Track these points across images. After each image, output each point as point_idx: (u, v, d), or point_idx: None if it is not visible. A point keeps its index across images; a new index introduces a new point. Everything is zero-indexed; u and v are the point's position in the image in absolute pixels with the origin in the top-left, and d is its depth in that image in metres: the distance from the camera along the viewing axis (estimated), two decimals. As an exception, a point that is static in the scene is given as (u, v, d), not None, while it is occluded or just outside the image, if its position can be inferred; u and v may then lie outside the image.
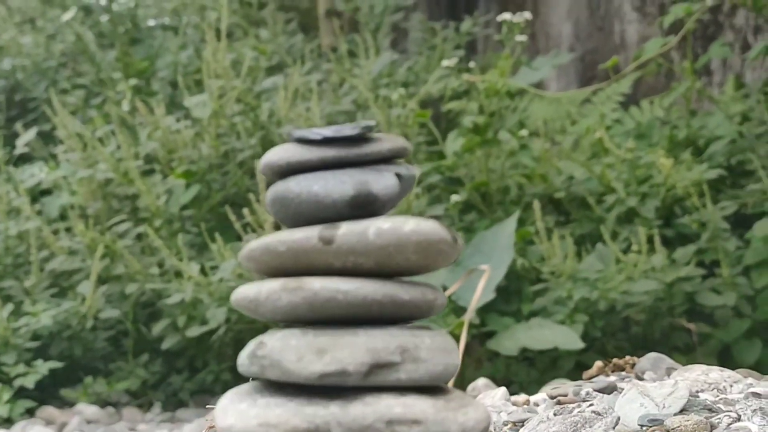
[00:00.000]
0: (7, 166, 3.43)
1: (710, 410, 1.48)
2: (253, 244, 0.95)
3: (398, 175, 0.94)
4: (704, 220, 2.85)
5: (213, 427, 2.44)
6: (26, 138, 3.45)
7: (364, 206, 0.93)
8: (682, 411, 1.47)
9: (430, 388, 0.93)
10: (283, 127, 3.22)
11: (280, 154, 0.96)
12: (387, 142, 0.95)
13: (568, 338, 2.72)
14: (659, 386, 1.53)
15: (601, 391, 1.65)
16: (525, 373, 2.87)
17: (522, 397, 1.74)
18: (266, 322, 2.64)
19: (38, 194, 3.35)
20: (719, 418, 1.41)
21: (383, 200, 0.93)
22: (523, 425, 1.50)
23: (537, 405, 1.69)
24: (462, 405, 0.93)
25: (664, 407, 1.48)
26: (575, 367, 2.83)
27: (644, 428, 1.40)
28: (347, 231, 0.91)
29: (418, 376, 0.91)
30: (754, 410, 1.41)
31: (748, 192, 2.97)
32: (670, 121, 3.27)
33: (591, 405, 1.52)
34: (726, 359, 2.81)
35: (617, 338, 2.87)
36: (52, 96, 3.37)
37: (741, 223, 2.96)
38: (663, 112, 3.31)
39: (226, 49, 3.30)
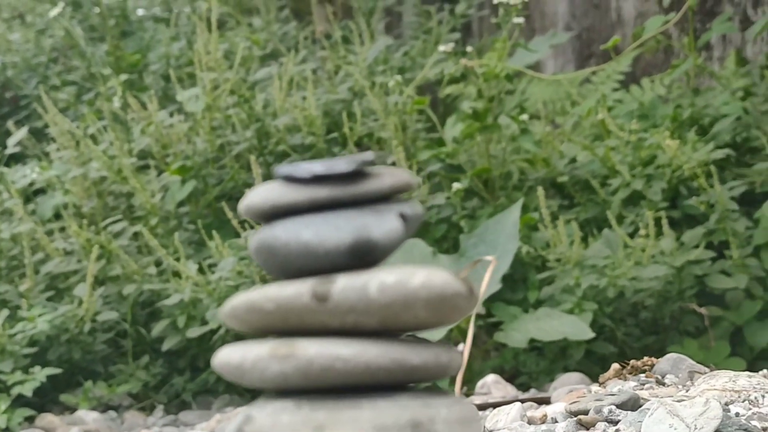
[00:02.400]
0: (-1, 166, 3.27)
1: (745, 430, 1.32)
2: (236, 301, 0.78)
3: (402, 216, 0.78)
4: (712, 201, 2.70)
5: None
6: (17, 137, 3.28)
7: (363, 255, 0.76)
8: (716, 434, 1.32)
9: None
10: (278, 118, 3.05)
11: (264, 195, 0.79)
12: (388, 177, 0.78)
13: (578, 328, 2.57)
14: (689, 404, 1.37)
15: (624, 406, 1.49)
16: (534, 363, 2.72)
17: (539, 412, 1.59)
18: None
19: (31, 194, 3.18)
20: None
21: (385, 247, 0.77)
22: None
23: (556, 421, 1.53)
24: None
25: (695, 428, 1.33)
26: (585, 355, 2.68)
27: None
28: (345, 287, 0.74)
29: (434, 455, 0.75)
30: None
31: (756, 170, 2.82)
32: (672, 100, 3.11)
33: (617, 429, 1.36)
34: (738, 342, 2.67)
35: (626, 324, 2.72)
36: (43, 93, 3.20)
37: (749, 202, 2.80)
38: (664, 90, 3.14)
39: (218, 40, 3.13)
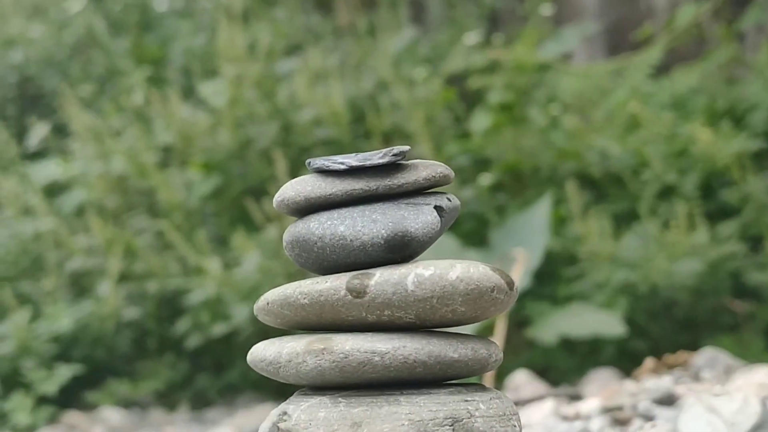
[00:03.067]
0: (21, 162, 3.28)
1: (786, 428, 1.32)
2: (270, 295, 0.79)
3: (439, 209, 0.78)
4: (746, 194, 2.69)
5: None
6: (40, 133, 3.29)
7: (400, 249, 0.76)
8: (754, 429, 1.31)
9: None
10: (303, 110, 3.05)
11: (298, 188, 0.79)
12: (423, 169, 0.79)
13: (609, 324, 2.56)
14: (727, 400, 1.36)
15: (660, 401, 1.49)
16: (564, 360, 2.71)
17: (572, 408, 1.59)
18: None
19: (53, 191, 3.20)
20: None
21: (422, 240, 0.77)
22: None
23: (590, 417, 1.53)
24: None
25: (733, 424, 1.32)
26: (617, 352, 2.68)
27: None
28: (381, 281, 0.75)
29: (472, 451, 0.75)
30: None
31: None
32: (705, 91, 3.09)
33: (653, 425, 1.35)
34: (774, 337, 2.66)
35: (659, 320, 2.71)
36: (64, 89, 3.21)
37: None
38: (697, 81, 3.12)
39: (241, 32, 3.14)
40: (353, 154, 0.78)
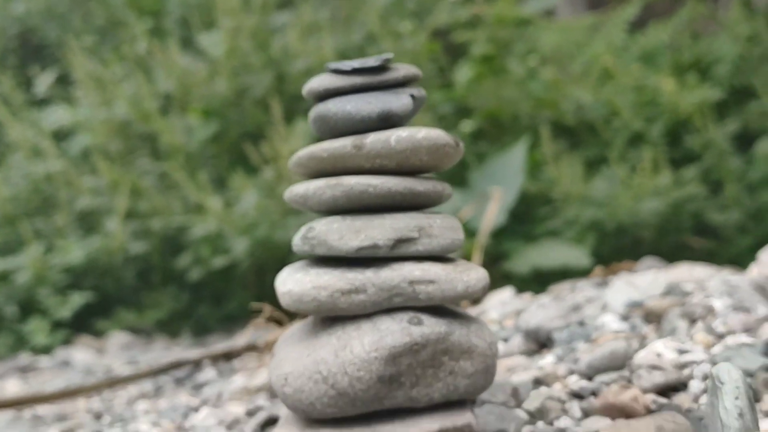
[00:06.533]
0: (28, 109, 3.81)
1: (685, 294, 1.87)
2: (301, 153, 1.34)
3: (412, 96, 1.33)
4: (707, 141, 3.20)
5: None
6: (47, 81, 3.82)
7: (386, 121, 1.32)
8: (661, 295, 1.87)
9: (442, 257, 1.33)
10: (297, 61, 3.59)
11: (319, 82, 1.35)
12: (402, 70, 1.34)
13: (577, 257, 3.10)
14: (641, 276, 1.93)
15: (596, 284, 2.05)
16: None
17: (528, 295, 2.15)
18: (284, 254, 3.06)
19: (60, 135, 3.73)
20: (690, 299, 1.80)
21: (401, 116, 1.32)
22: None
23: (540, 299, 2.09)
24: (466, 269, 1.32)
25: (645, 291, 1.88)
26: (586, 284, 3.20)
27: (627, 309, 1.80)
28: (374, 139, 1.30)
29: (431, 247, 1.31)
30: (721, 292, 1.80)
31: (752, 113, 3.32)
32: (673, 45, 3.62)
33: (582, 293, 1.92)
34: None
35: (625, 256, 3.23)
36: (68, 38, 3.74)
37: (745, 142, 3.31)
38: (668, 36, 3.66)
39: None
40: (356, 60, 1.34)
